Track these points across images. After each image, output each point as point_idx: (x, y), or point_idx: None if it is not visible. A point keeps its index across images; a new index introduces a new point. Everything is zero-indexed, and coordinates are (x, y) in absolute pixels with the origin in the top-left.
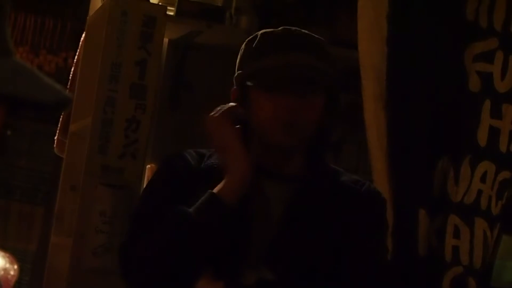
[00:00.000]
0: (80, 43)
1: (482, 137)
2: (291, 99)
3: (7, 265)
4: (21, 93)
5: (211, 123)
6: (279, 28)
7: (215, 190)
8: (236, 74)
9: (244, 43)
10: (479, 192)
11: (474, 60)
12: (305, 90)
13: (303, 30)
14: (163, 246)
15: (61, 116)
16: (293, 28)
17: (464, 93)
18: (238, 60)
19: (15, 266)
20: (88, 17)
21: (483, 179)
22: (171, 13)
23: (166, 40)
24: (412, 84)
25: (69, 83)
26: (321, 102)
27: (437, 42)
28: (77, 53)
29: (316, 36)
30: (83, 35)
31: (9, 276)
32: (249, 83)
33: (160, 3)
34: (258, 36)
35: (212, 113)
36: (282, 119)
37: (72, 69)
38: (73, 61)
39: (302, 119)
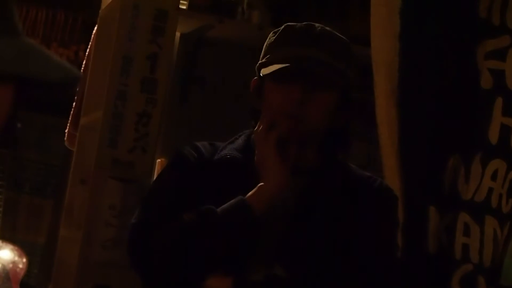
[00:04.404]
0: (92, 36)
1: (494, 134)
2: (297, 92)
3: (16, 258)
4: (29, 72)
5: (257, 136)
6: (303, 23)
7: (246, 196)
8: (257, 64)
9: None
10: (490, 190)
11: (486, 57)
12: (313, 85)
13: (327, 28)
14: (182, 241)
15: (72, 109)
16: (317, 24)
17: (476, 90)
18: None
19: (24, 259)
20: (100, 11)
21: (494, 177)
22: (183, 7)
23: (177, 34)
24: (424, 81)
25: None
26: (331, 99)
27: (450, 39)
28: (88, 47)
29: (338, 35)
30: (95, 28)
31: (18, 269)
32: (262, 74)
33: None
34: (281, 28)
35: (259, 127)
36: (287, 111)
37: (84, 62)
38: (84, 54)
39: (307, 113)
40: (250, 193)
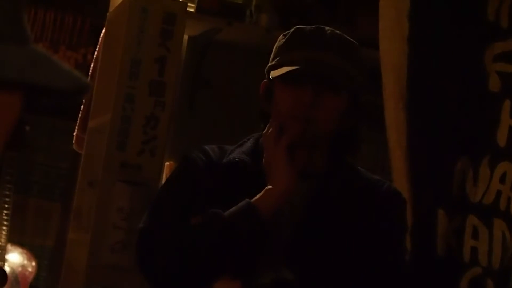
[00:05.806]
0: (100, 39)
1: (502, 137)
2: (307, 95)
3: (25, 262)
4: (38, 80)
5: (266, 139)
6: (313, 26)
7: (253, 199)
8: (266, 67)
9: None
10: (498, 192)
11: (494, 60)
12: (323, 88)
13: (336, 31)
14: (189, 245)
15: (80, 112)
16: (327, 27)
17: (484, 93)
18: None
19: (33, 263)
20: (108, 13)
21: (502, 179)
22: (191, 10)
23: (186, 37)
24: (432, 84)
25: (88, 79)
26: (341, 102)
27: (458, 41)
28: (96, 50)
29: (348, 38)
30: (103, 31)
31: (27, 273)
32: (272, 76)
33: (180, 0)
34: (291, 30)
35: (268, 130)
36: (297, 114)
37: (92, 65)
38: (92, 57)
39: (317, 116)
40: (257, 197)
